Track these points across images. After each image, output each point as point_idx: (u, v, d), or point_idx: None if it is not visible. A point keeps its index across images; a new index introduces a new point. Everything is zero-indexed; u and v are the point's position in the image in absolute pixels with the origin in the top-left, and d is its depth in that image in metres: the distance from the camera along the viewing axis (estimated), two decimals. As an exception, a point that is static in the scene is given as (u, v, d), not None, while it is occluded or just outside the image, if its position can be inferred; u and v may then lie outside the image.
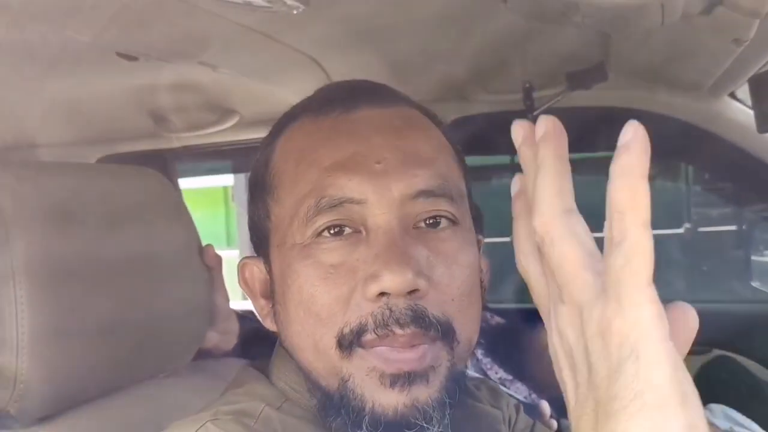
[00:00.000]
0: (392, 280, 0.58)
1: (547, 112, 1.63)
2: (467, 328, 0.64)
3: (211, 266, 0.96)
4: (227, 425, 0.60)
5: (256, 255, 0.71)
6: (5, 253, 0.69)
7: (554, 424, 1.40)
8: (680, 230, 4.87)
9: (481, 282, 1.65)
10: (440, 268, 0.62)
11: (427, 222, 0.63)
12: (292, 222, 0.63)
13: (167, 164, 2.05)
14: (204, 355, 0.99)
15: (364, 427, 0.58)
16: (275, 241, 0.66)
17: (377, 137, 0.64)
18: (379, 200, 0.61)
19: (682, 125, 1.58)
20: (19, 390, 0.70)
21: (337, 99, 0.68)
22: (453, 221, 0.64)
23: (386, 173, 0.62)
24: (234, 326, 1.04)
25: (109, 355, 0.80)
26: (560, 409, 1.56)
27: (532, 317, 1.53)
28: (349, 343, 0.60)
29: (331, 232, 0.62)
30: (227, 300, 1.02)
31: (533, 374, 1.60)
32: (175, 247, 0.90)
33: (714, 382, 1.63)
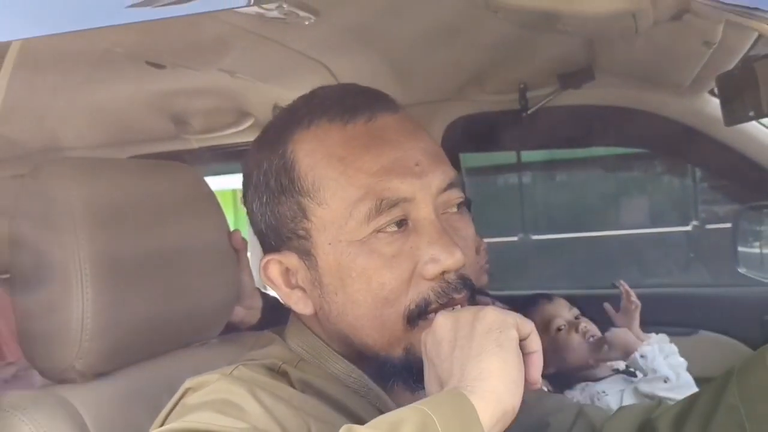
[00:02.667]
0: (450, 259, 0.70)
1: (540, 110, 1.76)
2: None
3: (238, 249, 1.07)
4: (255, 369, 0.73)
5: (275, 251, 0.78)
6: (72, 237, 0.82)
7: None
8: (688, 228, 4.94)
9: (484, 262, 1.75)
10: (462, 243, 0.73)
11: (454, 208, 0.76)
12: (347, 222, 0.71)
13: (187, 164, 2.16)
14: (231, 328, 1.11)
15: None
16: (324, 239, 0.73)
17: (405, 142, 0.74)
18: (424, 196, 0.72)
19: (666, 121, 1.68)
20: (83, 349, 0.83)
21: (357, 107, 0.74)
22: (462, 203, 0.77)
23: (425, 173, 0.72)
24: (258, 302, 1.15)
25: (153, 324, 0.92)
26: (559, 382, 1.68)
27: (529, 304, 1.65)
28: (416, 316, 0.71)
29: (393, 227, 0.72)
30: (252, 279, 1.14)
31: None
32: (207, 233, 1.02)
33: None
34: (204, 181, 1.06)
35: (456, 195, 0.75)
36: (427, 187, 0.72)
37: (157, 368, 0.95)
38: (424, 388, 0.69)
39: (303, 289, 0.77)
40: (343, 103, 0.75)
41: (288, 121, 0.77)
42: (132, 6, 0.63)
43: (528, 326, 0.64)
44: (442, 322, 0.65)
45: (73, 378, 0.86)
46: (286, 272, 0.78)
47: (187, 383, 0.70)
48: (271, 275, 0.78)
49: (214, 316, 1.05)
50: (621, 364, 1.70)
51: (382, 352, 0.74)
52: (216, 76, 1.52)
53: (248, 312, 1.14)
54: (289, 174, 0.74)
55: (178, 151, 2.11)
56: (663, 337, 1.67)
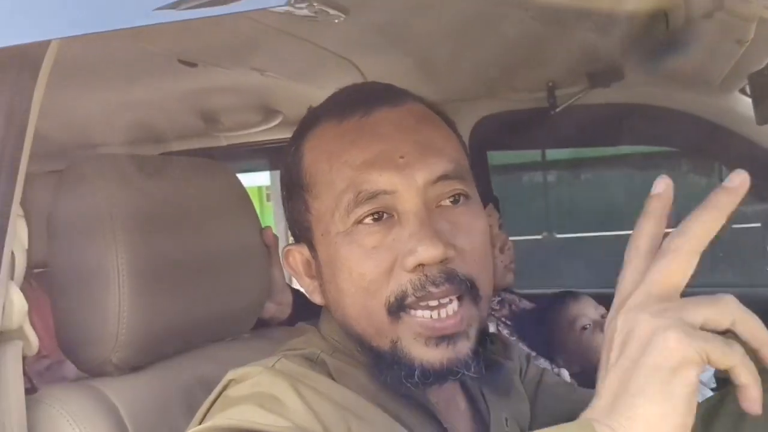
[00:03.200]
0: (426, 252, 0.69)
1: (569, 108, 1.75)
2: (486, 285, 0.76)
3: (269, 245, 1.09)
4: (297, 360, 0.74)
5: (298, 242, 0.83)
6: (110, 233, 0.83)
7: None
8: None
9: (509, 261, 1.75)
10: (461, 237, 0.73)
11: (449, 200, 0.75)
12: (334, 214, 0.74)
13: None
14: (262, 323, 1.13)
15: (416, 377, 0.71)
16: (319, 231, 0.77)
17: (396, 135, 0.74)
18: (407, 189, 0.72)
19: (696, 119, 1.67)
20: (119, 343, 0.84)
21: (355, 103, 0.77)
22: (466, 197, 0.77)
23: (409, 165, 0.72)
24: (288, 298, 1.16)
25: (187, 319, 0.94)
26: (584, 382, 1.67)
27: (555, 302, 1.64)
28: (396, 308, 0.71)
29: (370, 219, 0.73)
30: (282, 275, 1.15)
31: (557, 351, 1.72)
32: (240, 229, 1.03)
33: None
34: (237, 178, 1.08)
35: (449, 187, 0.74)
36: (410, 179, 0.72)
37: (191, 362, 0.97)
38: (413, 384, 0.71)
39: (317, 279, 0.81)
40: (342, 102, 0.79)
41: (303, 123, 0.82)
42: (167, 7, 0.64)
43: (733, 355, 0.50)
44: (619, 323, 0.53)
45: (110, 371, 0.88)
46: (308, 263, 0.81)
47: (230, 374, 0.71)
48: (291, 264, 0.83)
49: (246, 311, 1.06)
50: None
51: (373, 343, 0.75)
52: (246, 74, 1.54)
53: (279, 308, 1.15)
54: (297, 171, 0.79)
55: (207, 148, 2.13)
56: None
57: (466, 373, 0.72)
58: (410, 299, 0.71)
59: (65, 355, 0.91)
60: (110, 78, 1.46)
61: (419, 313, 0.72)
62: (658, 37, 1.20)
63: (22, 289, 0.74)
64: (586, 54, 1.54)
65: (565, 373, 1.57)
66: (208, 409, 0.70)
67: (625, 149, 3.99)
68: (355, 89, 0.84)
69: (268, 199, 7.79)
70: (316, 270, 0.80)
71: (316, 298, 0.81)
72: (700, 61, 1.42)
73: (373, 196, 0.72)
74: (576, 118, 1.75)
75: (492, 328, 1.62)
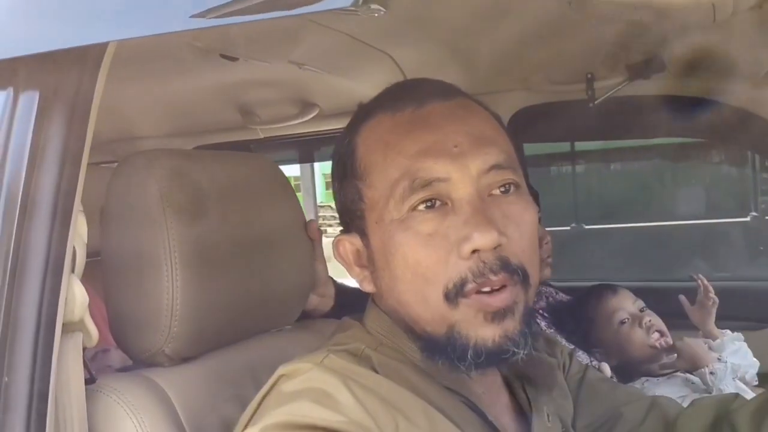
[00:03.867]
0: (482, 238, 0.71)
1: (608, 101, 1.74)
2: (534, 273, 0.77)
3: (313, 238, 1.10)
4: (342, 355, 0.75)
5: (348, 232, 0.84)
6: (162, 226, 0.85)
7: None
8: (747, 219, 4.82)
9: (547, 256, 1.75)
10: (512, 226, 0.75)
11: (500, 190, 0.77)
12: (388, 202, 0.75)
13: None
14: (306, 315, 1.14)
15: (469, 358, 0.73)
16: (373, 218, 0.78)
17: (449, 126, 0.76)
18: (461, 177, 0.74)
19: (738, 111, 1.65)
20: (172, 334, 0.86)
21: (408, 97, 0.79)
22: (517, 186, 0.78)
23: (463, 154, 0.74)
24: (331, 291, 1.18)
25: (236, 310, 0.95)
26: (621, 375, 1.67)
27: (592, 295, 1.63)
28: (455, 295, 0.73)
29: (425, 206, 0.75)
30: (326, 268, 1.16)
31: (594, 344, 1.71)
32: (285, 222, 1.05)
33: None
34: (281, 171, 1.09)
35: (501, 177, 0.76)
36: (464, 168, 0.74)
37: (239, 353, 0.99)
38: (465, 366, 0.73)
39: (368, 268, 0.82)
40: (395, 95, 0.81)
41: (356, 116, 0.84)
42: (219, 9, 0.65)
43: None
44: None
45: (162, 361, 0.90)
46: (357, 252, 0.83)
47: (281, 369, 0.73)
48: (341, 253, 0.84)
49: (291, 303, 1.08)
50: None
51: (428, 328, 0.76)
52: (284, 67, 1.55)
53: (322, 300, 1.17)
54: (350, 160, 0.81)
55: (244, 141, 2.15)
56: (737, 336, 1.64)
57: (515, 351, 0.73)
58: (470, 285, 0.72)
59: (118, 346, 0.93)
60: (154, 73, 1.48)
61: (475, 296, 0.73)
62: (704, 28, 1.18)
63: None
64: (627, 45, 1.53)
65: (606, 367, 1.56)
66: (259, 404, 0.71)
67: (655, 139, 3.94)
68: (407, 84, 0.87)
69: (298, 190, 7.85)
70: (367, 258, 0.81)
71: (367, 287, 0.83)
72: (746, 52, 1.40)
73: (427, 183, 0.74)
74: (614, 109, 1.74)
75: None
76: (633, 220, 4.94)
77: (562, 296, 1.85)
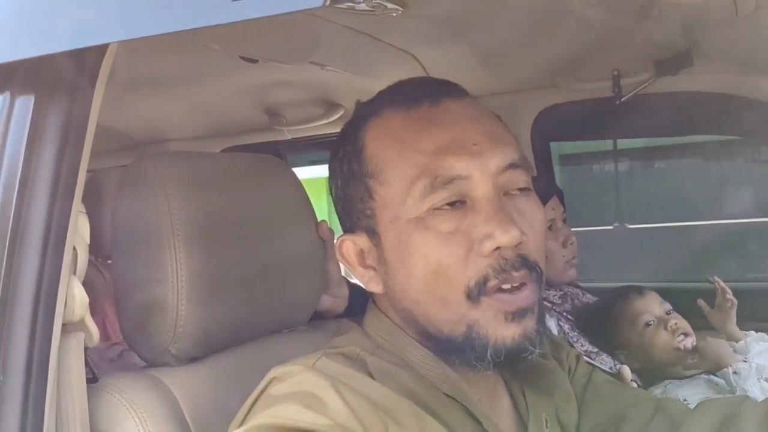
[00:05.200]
0: (505, 236, 0.71)
1: (635, 98, 1.71)
2: (544, 271, 0.77)
3: (325, 239, 1.09)
4: (336, 359, 0.75)
5: (350, 232, 0.82)
6: (168, 227, 0.86)
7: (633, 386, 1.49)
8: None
9: (572, 257, 1.72)
10: (526, 225, 0.75)
11: (514, 189, 0.77)
12: (405, 200, 0.74)
13: (280, 155, 2.22)
14: (319, 316, 1.14)
15: (488, 357, 0.72)
16: (386, 217, 0.77)
17: (466, 124, 0.76)
18: (481, 175, 0.74)
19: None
20: (178, 333, 0.87)
21: (421, 94, 0.78)
22: (529, 185, 0.78)
23: (482, 152, 0.74)
24: (344, 291, 1.17)
25: (246, 311, 0.96)
26: (644, 379, 1.63)
27: (618, 297, 1.59)
28: (477, 293, 0.72)
29: (447, 205, 0.74)
30: (338, 268, 1.16)
31: (618, 347, 1.67)
32: (297, 223, 1.05)
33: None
34: (293, 173, 1.09)
35: (519, 176, 0.76)
36: (484, 166, 0.74)
37: (248, 354, 0.99)
38: (483, 366, 0.72)
39: (374, 269, 0.81)
40: (408, 92, 0.80)
41: (361, 113, 0.82)
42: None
43: None
44: None
45: (168, 361, 0.91)
46: (361, 253, 0.81)
47: (272, 373, 0.73)
48: (345, 254, 0.82)
49: (302, 304, 1.08)
50: None
51: (445, 329, 0.75)
52: (307, 68, 1.56)
53: (335, 300, 1.16)
54: (358, 158, 0.79)
55: (271, 142, 2.17)
56: (762, 336, 1.59)
57: (533, 350, 0.73)
58: (492, 282, 0.72)
59: (128, 345, 0.94)
60: (176, 75, 1.50)
61: (497, 295, 0.73)
62: (727, 22, 1.15)
63: (94, 279, 0.77)
64: (652, 41, 1.50)
65: (627, 370, 1.53)
66: (251, 406, 0.72)
67: (698, 137, 3.85)
68: (416, 81, 0.85)
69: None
70: (377, 258, 0.80)
71: (374, 287, 0.81)
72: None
73: (449, 181, 0.73)
74: (643, 107, 1.70)
75: (553, 323, 1.60)
76: (677, 219, 4.84)
77: (589, 297, 1.81)
